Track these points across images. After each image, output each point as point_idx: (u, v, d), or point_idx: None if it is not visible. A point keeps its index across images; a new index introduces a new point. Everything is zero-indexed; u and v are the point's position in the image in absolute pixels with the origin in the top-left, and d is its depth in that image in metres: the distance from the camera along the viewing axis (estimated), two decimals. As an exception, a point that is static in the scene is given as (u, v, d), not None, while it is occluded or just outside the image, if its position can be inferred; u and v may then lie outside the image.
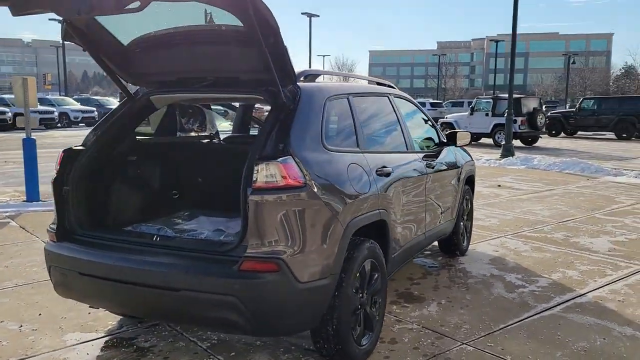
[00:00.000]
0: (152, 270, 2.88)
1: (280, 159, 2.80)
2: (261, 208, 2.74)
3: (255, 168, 2.77)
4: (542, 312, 4.25)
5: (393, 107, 4.34)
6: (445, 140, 5.27)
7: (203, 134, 4.38)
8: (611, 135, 24.74)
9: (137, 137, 3.87)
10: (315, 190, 2.88)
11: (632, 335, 3.81)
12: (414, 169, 4.29)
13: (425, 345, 3.65)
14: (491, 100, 21.05)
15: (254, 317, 2.73)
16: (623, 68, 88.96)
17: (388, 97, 4.35)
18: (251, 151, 2.89)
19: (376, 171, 3.54)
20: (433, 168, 4.65)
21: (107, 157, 3.55)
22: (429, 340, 3.72)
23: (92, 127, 3.67)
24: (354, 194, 3.19)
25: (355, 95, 3.79)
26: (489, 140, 20.87)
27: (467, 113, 21.73)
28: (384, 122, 4.20)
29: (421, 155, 4.58)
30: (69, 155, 3.38)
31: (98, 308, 3.86)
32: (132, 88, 3.85)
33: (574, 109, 26.30)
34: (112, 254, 3.06)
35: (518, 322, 4.05)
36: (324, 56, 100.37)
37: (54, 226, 3.32)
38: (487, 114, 20.23)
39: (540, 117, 19.68)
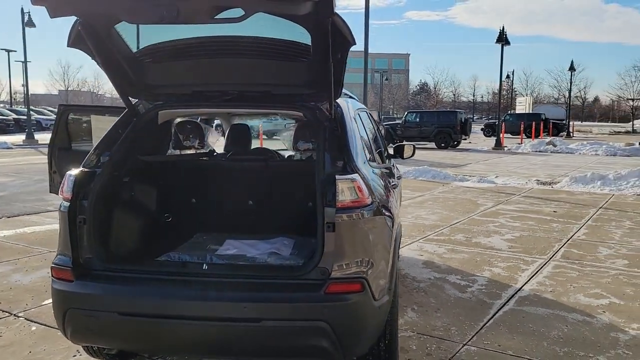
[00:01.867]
0: (223, 302, 2.60)
1: (354, 175, 2.79)
2: (345, 227, 2.68)
3: (339, 186, 2.68)
4: (501, 307, 4.70)
5: (370, 120, 4.48)
6: (392, 153, 5.53)
7: (202, 150, 4.01)
8: (432, 145, 27.79)
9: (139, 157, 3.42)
10: (377, 206, 2.91)
11: (583, 320, 4.42)
12: (393, 183, 4.46)
13: (435, 350, 3.82)
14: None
15: (340, 340, 2.64)
16: (418, 85, 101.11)
17: (366, 111, 4.48)
18: (320, 168, 2.82)
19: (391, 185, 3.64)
20: (397, 181, 4.88)
21: (116, 180, 3.09)
22: (434, 346, 3.90)
23: (93, 147, 3.15)
24: (393, 207, 3.26)
25: (360, 110, 3.89)
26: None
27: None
28: (372, 135, 4.31)
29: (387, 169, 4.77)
30: (81, 180, 2.88)
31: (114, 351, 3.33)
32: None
33: (401, 122, 29.07)
34: (159, 288, 2.69)
35: (491, 319, 4.43)
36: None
37: (66, 261, 2.78)
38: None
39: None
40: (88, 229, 2.85)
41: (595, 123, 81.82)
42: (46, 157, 4.70)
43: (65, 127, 4.62)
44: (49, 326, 4.18)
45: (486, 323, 4.34)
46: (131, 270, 2.85)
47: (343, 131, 3.07)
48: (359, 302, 2.67)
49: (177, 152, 3.97)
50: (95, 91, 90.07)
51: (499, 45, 25.85)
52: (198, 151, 3.97)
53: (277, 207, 3.87)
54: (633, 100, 63.73)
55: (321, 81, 2.97)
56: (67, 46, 2.88)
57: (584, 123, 72.28)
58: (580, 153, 23.89)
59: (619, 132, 52.72)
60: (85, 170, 2.99)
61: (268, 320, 2.60)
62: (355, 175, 2.79)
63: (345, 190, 2.72)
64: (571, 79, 46.25)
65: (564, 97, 59.70)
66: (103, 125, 4.57)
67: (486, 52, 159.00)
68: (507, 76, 61.44)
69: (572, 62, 42.26)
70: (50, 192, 4.77)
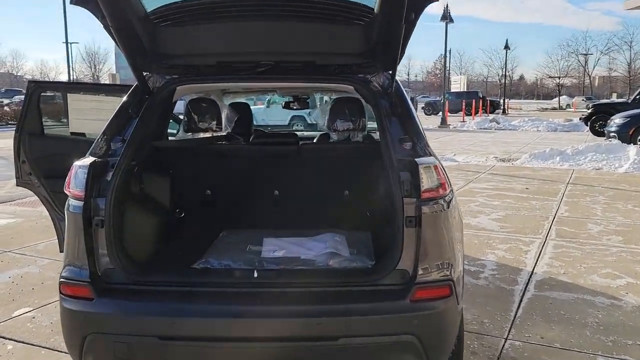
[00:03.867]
0: (290, 318, 2.12)
1: (433, 158, 2.38)
2: (428, 221, 2.27)
3: (421, 172, 2.25)
4: (524, 294, 4.48)
5: None
6: None
7: (220, 133, 3.42)
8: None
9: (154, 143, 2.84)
10: (453, 194, 2.53)
11: (612, 304, 4.26)
12: None
13: (479, 348, 3.53)
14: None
15: (427, 354, 2.25)
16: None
17: None
18: (389, 151, 2.44)
19: None
20: None
21: (134, 172, 2.52)
22: (476, 342, 3.61)
23: (102, 131, 2.56)
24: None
25: None
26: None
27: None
28: None
29: None
30: (96, 172, 2.28)
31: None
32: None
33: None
34: (208, 304, 2.18)
35: (519, 307, 4.19)
36: (71, 44, 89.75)
37: (80, 274, 2.21)
38: (282, 106, 20.58)
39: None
40: (108, 233, 2.30)
41: (522, 101, 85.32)
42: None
43: (37, 108, 3.89)
44: (29, 344, 3.55)
45: (517, 313, 4.09)
46: (166, 283, 2.31)
47: (405, 108, 2.64)
48: (447, 309, 2.28)
49: (189, 134, 3.39)
50: (14, 72, 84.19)
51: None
52: (215, 134, 3.40)
53: (313, 198, 3.39)
54: (559, 77, 66.78)
55: (382, 49, 2.52)
56: (70, 4, 2.29)
57: (512, 101, 75.22)
58: (523, 129, 24.57)
59: (546, 109, 55.15)
60: (99, 160, 2.39)
61: (347, 338, 2.17)
62: (435, 159, 2.38)
63: (427, 177, 2.30)
64: (506, 58, 47.66)
65: (498, 75, 61.67)
66: (81, 105, 3.90)
67: (419, 31, 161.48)
68: (444, 56, 62.81)
69: (506, 41, 43.49)
70: (17, 185, 4.03)
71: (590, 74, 70.76)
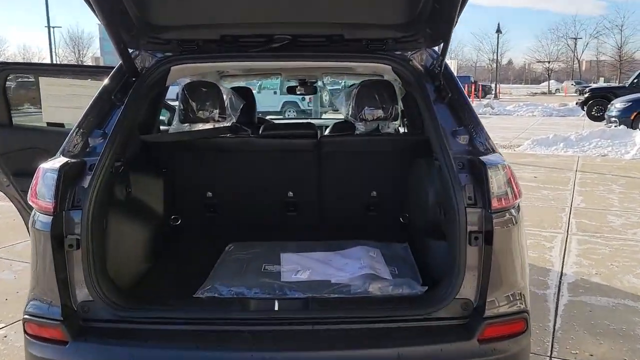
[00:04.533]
0: None
1: (502, 158, 1.90)
2: (499, 238, 1.78)
3: (491, 176, 1.77)
4: (558, 300, 4.06)
5: None
6: None
7: (224, 124, 2.88)
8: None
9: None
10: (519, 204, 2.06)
11: (656, 310, 3.84)
12: None
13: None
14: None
15: None
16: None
17: None
18: (444, 149, 1.99)
19: None
20: None
21: (119, 174, 1.99)
22: (518, 362, 3.15)
23: (76, 124, 2.03)
24: None
25: None
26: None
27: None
28: None
29: None
30: (69, 177, 1.76)
31: None
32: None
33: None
34: (219, 349, 1.67)
35: (557, 317, 3.76)
36: (53, 27, 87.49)
37: (50, 310, 1.72)
38: (275, 92, 19.99)
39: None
40: (85, 256, 1.78)
41: (512, 85, 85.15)
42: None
43: (3, 94, 3.31)
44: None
45: (555, 323, 3.65)
46: (162, 320, 1.79)
47: (458, 92, 2.14)
48: (523, 350, 1.80)
49: (187, 126, 2.85)
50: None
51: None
52: (216, 125, 2.86)
53: (336, 201, 2.90)
54: (549, 62, 66.55)
55: (430, 17, 2.02)
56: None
57: (502, 85, 74.88)
58: (518, 114, 24.18)
59: (536, 94, 54.90)
60: (73, 161, 1.86)
61: None
62: (503, 158, 1.90)
63: (497, 181, 1.81)
64: (498, 42, 47.21)
65: (488, 59, 61.24)
66: (57, 90, 3.34)
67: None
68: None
69: (498, 25, 43.01)
70: (-19, 189, 3.48)
71: (579, 58, 70.62)
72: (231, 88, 3.74)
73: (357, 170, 2.93)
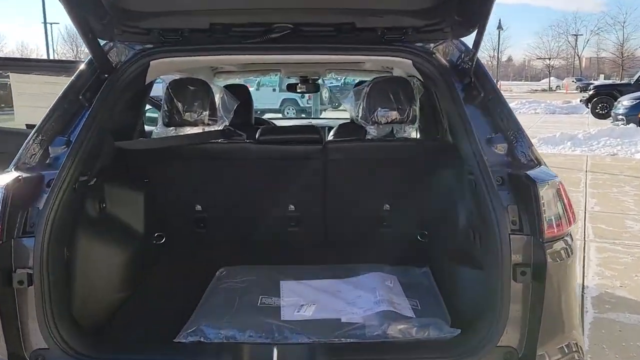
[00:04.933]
0: None
1: (553, 174, 1.57)
2: (555, 273, 1.46)
3: (541, 196, 1.45)
4: (584, 317, 3.72)
5: None
6: None
7: (215, 127, 2.53)
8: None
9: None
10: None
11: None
12: None
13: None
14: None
15: None
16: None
17: None
18: (482, 158, 1.70)
19: None
20: None
21: (84, 190, 1.66)
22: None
23: (35, 130, 1.70)
24: None
25: None
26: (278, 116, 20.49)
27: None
28: None
29: None
30: (19, 197, 1.42)
31: None
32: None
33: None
34: None
35: (584, 337, 3.42)
36: (51, 24, 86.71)
37: None
38: (274, 89, 19.60)
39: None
40: (40, 294, 1.43)
41: (512, 82, 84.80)
42: None
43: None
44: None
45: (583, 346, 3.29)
46: None
47: (494, 92, 1.82)
48: None
49: (172, 130, 2.50)
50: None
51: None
52: (206, 129, 2.51)
53: (343, 215, 2.57)
54: (550, 59, 66.17)
55: (455, 4, 1.72)
56: None
57: (502, 82, 74.51)
58: (520, 112, 23.84)
59: (536, 91, 54.59)
60: (26, 176, 1.52)
61: None
62: (555, 175, 1.58)
63: (550, 202, 1.49)
64: (499, 38, 46.87)
65: (489, 56, 60.86)
66: (30, 88, 2.99)
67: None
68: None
69: (499, 21, 42.61)
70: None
71: (580, 55, 70.27)
72: (224, 86, 3.40)
73: (368, 180, 2.59)
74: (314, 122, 5.25)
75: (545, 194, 1.57)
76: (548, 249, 1.52)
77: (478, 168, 1.70)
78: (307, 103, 16.16)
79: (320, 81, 4.44)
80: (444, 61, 2.06)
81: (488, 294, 1.59)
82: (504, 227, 1.55)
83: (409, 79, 2.60)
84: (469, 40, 2.17)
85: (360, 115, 2.57)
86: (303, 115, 15.27)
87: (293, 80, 4.21)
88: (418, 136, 2.89)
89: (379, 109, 2.49)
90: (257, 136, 2.57)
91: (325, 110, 16.32)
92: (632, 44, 59.80)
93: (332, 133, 3.57)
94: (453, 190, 2.05)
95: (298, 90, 4.26)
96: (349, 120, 5.00)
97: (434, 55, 2.06)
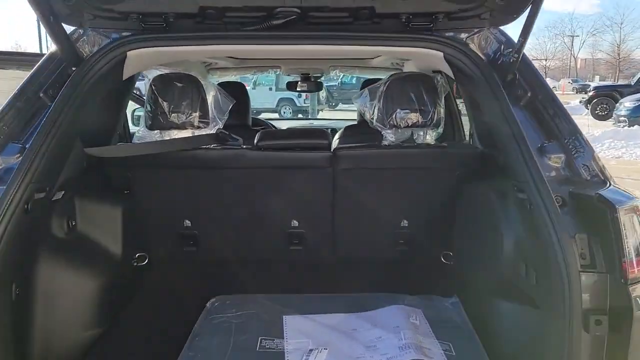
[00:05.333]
0: None
1: (632, 196, 1.41)
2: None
3: (622, 223, 1.26)
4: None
5: None
6: None
7: (206, 131, 2.17)
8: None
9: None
10: None
11: None
12: None
13: None
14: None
15: None
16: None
17: None
18: (540, 173, 1.42)
19: None
20: None
21: (41, 207, 1.33)
22: None
23: None
24: None
25: None
26: (275, 115, 20.16)
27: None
28: None
29: None
30: None
31: None
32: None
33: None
34: None
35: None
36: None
37: None
38: (270, 89, 19.24)
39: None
40: None
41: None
42: None
43: None
44: None
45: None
46: None
47: (542, 92, 1.63)
48: None
49: (157, 134, 2.15)
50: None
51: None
52: (196, 132, 2.16)
53: (356, 232, 2.25)
54: (546, 60, 66.07)
55: None
56: None
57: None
58: (519, 113, 23.62)
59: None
60: None
61: None
62: (633, 196, 1.27)
63: (632, 233, 1.26)
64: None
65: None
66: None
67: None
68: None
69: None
70: None
71: (576, 56, 70.21)
72: (218, 84, 3.05)
73: (384, 192, 2.26)
74: (314, 123, 4.91)
75: (626, 220, 1.24)
76: (632, 293, 1.19)
77: (534, 185, 1.37)
78: (305, 102, 15.80)
79: (322, 79, 4.10)
80: (480, 54, 1.73)
81: (545, 343, 1.27)
82: (572, 262, 1.23)
83: (432, 76, 2.27)
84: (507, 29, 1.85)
85: (375, 117, 2.22)
86: (300, 115, 14.94)
87: (293, 78, 3.85)
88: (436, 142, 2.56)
89: (398, 110, 2.16)
90: (255, 141, 2.23)
91: (322, 110, 15.99)
92: (628, 45, 59.61)
93: (337, 136, 3.23)
94: (492, 209, 1.73)
95: (298, 89, 3.92)
96: (353, 121, 4.67)
97: (468, 47, 1.73)
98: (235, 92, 2.87)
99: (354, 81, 17.17)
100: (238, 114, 2.86)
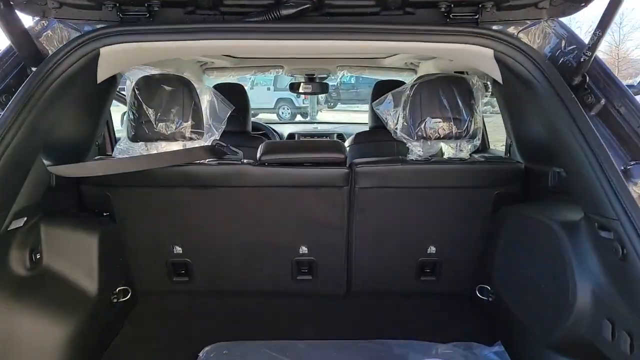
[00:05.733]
0: None
1: None
2: None
3: None
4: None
5: None
6: None
7: (200, 143, 1.85)
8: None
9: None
10: None
11: None
12: None
13: None
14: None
15: None
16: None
17: None
18: (624, 208, 1.17)
19: None
20: None
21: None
22: None
23: None
24: None
25: None
26: (273, 116, 19.80)
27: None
28: None
29: None
30: None
31: None
32: None
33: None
34: None
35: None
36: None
37: None
38: (268, 89, 18.86)
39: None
40: None
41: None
42: None
43: None
44: None
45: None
46: None
47: (622, 100, 1.36)
48: None
49: (141, 146, 1.82)
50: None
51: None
52: (189, 145, 1.83)
53: (375, 260, 1.96)
54: (544, 59, 66.01)
55: None
56: None
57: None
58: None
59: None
60: None
61: None
62: None
63: None
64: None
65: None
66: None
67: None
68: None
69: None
70: None
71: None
72: (214, 86, 2.73)
73: (409, 214, 1.93)
74: (322, 126, 4.57)
75: None
76: None
77: (630, 227, 1.05)
78: (304, 103, 15.47)
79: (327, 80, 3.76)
80: (540, 52, 1.41)
81: None
82: None
83: (467, 78, 1.94)
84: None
85: (400, 126, 1.90)
86: (300, 117, 14.64)
87: (297, 79, 3.52)
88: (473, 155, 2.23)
89: (428, 118, 1.83)
90: (258, 155, 1.90)
91: (320, 110, 15.65)
92: (628, 45, 59.54)
93: (348, 144, 2.90)
94: (556, 246, 1.41)
95: (302, 91, 3.58)
96: (362, 126, 4.34)
97: (526, 44, 1.41)
98: (234, 95, 2.54)
99: (352, 81, 16.88)
100: (237, 120, 2.54)
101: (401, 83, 2.92)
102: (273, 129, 4.25)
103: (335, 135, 4.16)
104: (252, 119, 3.71)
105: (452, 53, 1.55)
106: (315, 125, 4.53)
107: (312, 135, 4.24)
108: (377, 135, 2.84)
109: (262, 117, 15.34)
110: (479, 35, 1.45)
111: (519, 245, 1.74)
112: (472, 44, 1.47)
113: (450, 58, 1.77)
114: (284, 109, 16.90)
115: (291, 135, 4.27)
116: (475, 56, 1.53)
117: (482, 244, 1.96)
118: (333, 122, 4.92)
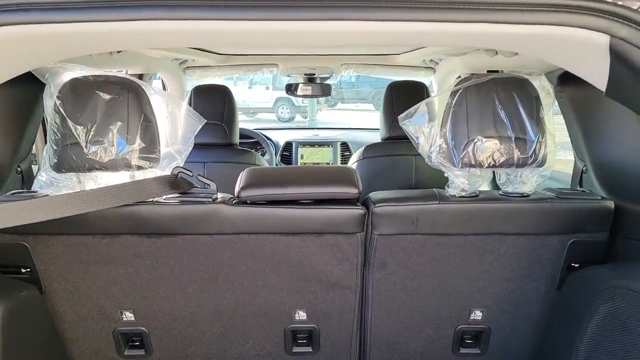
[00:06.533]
0: None
1: None
2: None
3: None
4: None
5: None
6: None
7: (156, 171, 1.33)
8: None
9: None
10: None
11: None
12: None
13: None
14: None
15: None
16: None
17: None
18: None
19: None
20: None
21: None
22: None
23: None
24: None
25: None
26: (272, 115, 19.35)
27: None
28: None
29: None
30: None
31: None
32: None
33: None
34: None
35: None
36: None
37: None
38: (267, 88, 18.38)
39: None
40: None
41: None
42: None
43: None
44: None
45: None
46: None
47: None
48: None
49: (70, 178, 1.30)
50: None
51: None
52: (137, 175, 1.32)
53: (397, 327, 1.46)
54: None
55: None
56: None
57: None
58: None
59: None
60: None
61: None
62: None
63: None
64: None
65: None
66: None
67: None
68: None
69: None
70: None
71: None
72: (195, 88, 2.21)
73: (446, 268, 1.42)
74: (324, 133, 4.05)
75: None
76: None
77: None
78: (303, 102, 14.99)
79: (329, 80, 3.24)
80: None
81: None
82: None
83: (531, 80, 1.42)
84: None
85: (438, 149, 1.37)
86: (299, 118, 14.13)
87: (295, 80, 3.00)
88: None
89: (479, 138, 1.31)
90: (237, 189, 1.37)
91: (320, 110, 15.17)
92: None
93: (355, 161, 2.39)
94: None
95: (300, 93, 3.07)
96: (370, 132, 3.80)
97: None
98: (216, 98, 2.03)
99: (353, 79, 16.40)
100: (220, 130, 2.02)
101: (422, 85, 2.40)
102: (267, 137, 3.74)
103: (338, 143, 3.66)
104: (248, 120, 3.19)
105: (529, 42, 1.01)
106: (315, 132, 4.02)
107: (312, 144, 3.74)
108: (391, 148, 2.34)
109: (261, 117, 14.91)
110: (591, 11, 0.93)
111: (617, 333, 1.22)
112: (577, 26, 0.95)
113: (519, 50, 1.23)
114: (283, 108, 16.45)
115: (288, 144, 3.77)
116: (570, 48, 1.00)
117: (547, 308, 1.46)
118: (335, 128, 4.41)
